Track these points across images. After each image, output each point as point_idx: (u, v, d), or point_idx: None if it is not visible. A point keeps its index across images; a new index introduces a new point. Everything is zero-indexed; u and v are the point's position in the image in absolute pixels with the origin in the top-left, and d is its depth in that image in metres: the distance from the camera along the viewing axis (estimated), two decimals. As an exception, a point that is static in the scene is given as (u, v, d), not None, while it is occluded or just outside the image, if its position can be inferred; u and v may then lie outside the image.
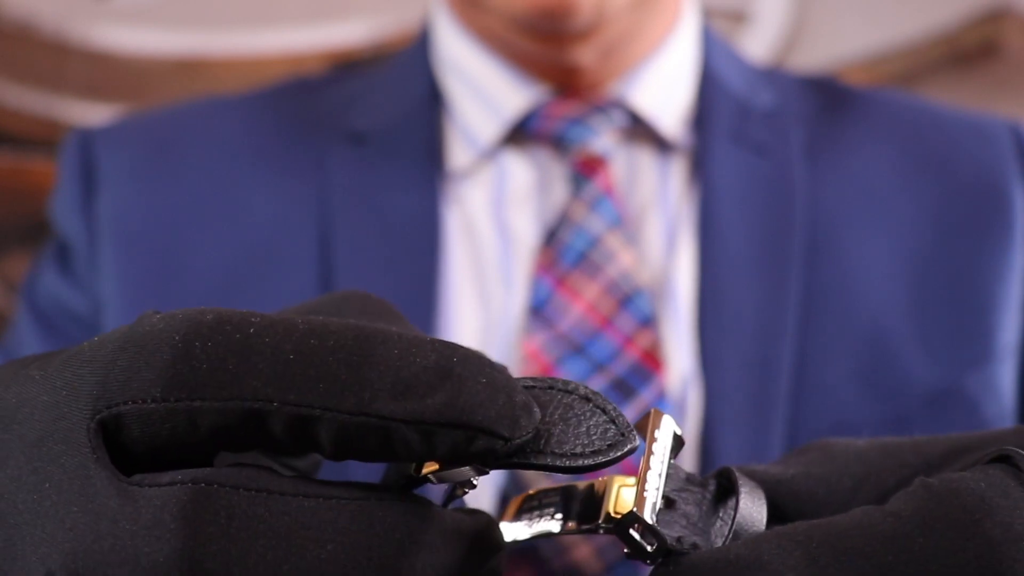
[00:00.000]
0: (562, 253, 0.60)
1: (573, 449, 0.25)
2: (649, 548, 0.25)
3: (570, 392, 0.26)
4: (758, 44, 1.21)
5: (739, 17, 1.22)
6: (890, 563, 0.22)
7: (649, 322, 0.59)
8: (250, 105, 0.69)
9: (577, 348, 0.58)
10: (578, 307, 0.59)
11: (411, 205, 0.63)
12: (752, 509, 0.26)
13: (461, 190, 0.64)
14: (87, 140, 0.67)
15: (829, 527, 0.23)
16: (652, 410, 0.27)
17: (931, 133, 0.68)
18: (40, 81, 1.22)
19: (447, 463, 0.25)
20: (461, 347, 0.24)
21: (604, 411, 0.25)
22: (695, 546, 0.25)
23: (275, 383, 0.23)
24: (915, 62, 1.20)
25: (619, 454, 0.25)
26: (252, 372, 0.23)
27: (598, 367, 0.57)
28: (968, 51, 1.20)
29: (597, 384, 0.57)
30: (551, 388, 0.26)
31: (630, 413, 0.56)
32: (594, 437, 0.25)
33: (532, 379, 0.26)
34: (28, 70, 1.22)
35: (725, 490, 0.27)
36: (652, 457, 0.26)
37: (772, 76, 0.71)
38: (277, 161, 0.65)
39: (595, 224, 0.61)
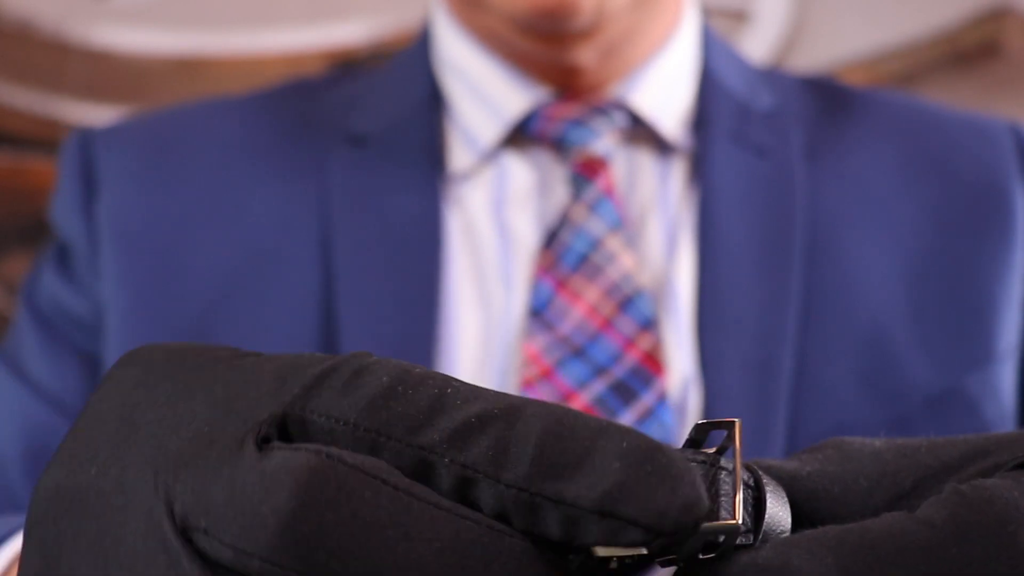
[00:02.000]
0: (562, 255, 0.60)
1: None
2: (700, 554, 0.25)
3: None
4: (758, 44, 1.21)
5: (739, 17, 1.22)
6: (923, 573, 0.22)
7: (650, 324, 0.59)
8: (250, 106, 0.69)
9: (578, 351, 0.58)
10: (579, 309, 0.59)
11: (411, 207, 0.63)
12: (778, 509, 0.26)
13: (461, 192, 0.64)
14: (87, 141, 0.66)
15: (861, 534, 0.23)
16: (736, 422, 0.27)
17: (931, 133, 0.68)
18: (40, 81, 1.22)
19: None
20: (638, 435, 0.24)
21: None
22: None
23: (450, 441, 0.23)
24: (915, 62, 1.20)
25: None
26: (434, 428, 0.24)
27: (599, 370, 0.57)
28: (968, 51, 1.20)
29: (598, 387, 0.57)
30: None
31: (631, 416, 0.56)
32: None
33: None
34: (28, 70, 1.22)
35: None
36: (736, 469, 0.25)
37: (772, 77, 0.71)
38: (278, 163, 0.65)
39: (596, 226, 0.61)
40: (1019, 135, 0.68)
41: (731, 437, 0.26)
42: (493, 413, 0.23)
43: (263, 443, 0.23)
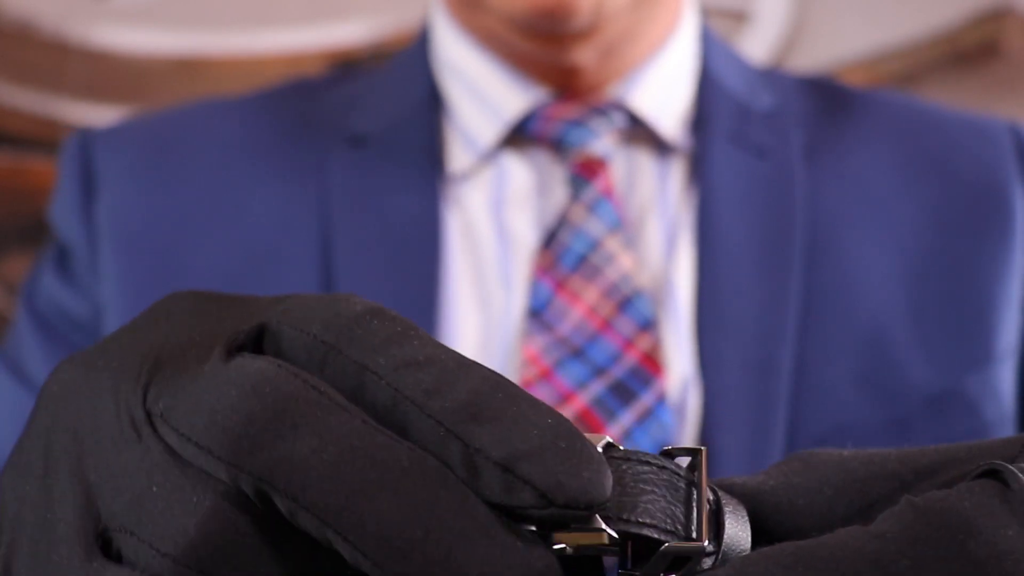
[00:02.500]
0: (561, 256, 0.60)
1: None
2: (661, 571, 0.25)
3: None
4: (758, 44, 1.21)
5: (739, 17, 1.22)
6: None
7: (649, 325, 0.59)
8: (250, 107, 0.69)
9: (577, 351, 0.58)
10: (578, 310, 0.59)
11: (411, 207, 0.63)
12: (737, 529, 0.26)
13: (461, 192, 0.64)
14: (87, 143, 0.67)
15: (815, 549, 0.23)
16: (703, 449, 0.27)
17: (931, 134, 0.68)
18: (40, 81, 1.22)
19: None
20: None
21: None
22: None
23: (392, 368, 0.24)
24: (915, 62, 1.20)
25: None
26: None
27: (598, 370, 0.57)
28: (968, 51, 1.20)
29: (597, 387, 0.57)
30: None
31: (630, 416, 0.56)
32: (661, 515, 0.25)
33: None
34: (28, 70, 1.22)
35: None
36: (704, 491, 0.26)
37: (771, 77, 0.71)
38: (277, 163, 0.65)
39: (595, 227, 0.61)
40: (1019, 135, 0.68)
41: (697, 463, 0.26)
42: (441, 358, 0.24)
43: (238, 351, 0.25)
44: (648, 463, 0.25)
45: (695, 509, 0.25)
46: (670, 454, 0.27)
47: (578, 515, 0.23)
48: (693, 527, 0.25)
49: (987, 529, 0.23)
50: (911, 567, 0.22)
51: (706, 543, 0.25)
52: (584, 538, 0.24)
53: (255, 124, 0.67)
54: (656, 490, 0.25)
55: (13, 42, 1.22)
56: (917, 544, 0.23)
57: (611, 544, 0.24)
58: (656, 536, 0.24)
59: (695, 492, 0.26)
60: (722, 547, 0.26)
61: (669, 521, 0.25)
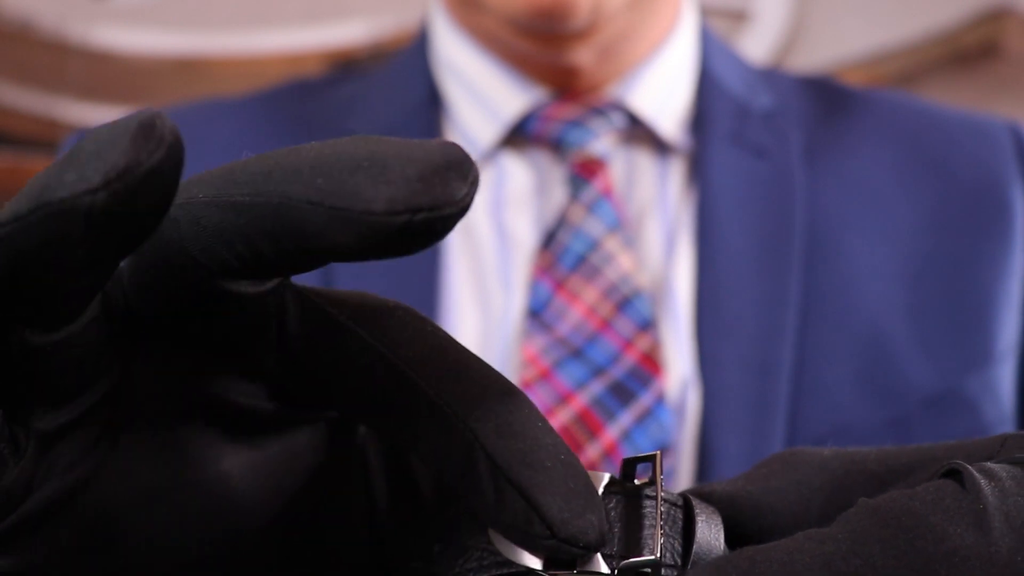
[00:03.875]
0: (561, 256, 0.60)
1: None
2: None
3: None
4: (758, 44, 1.21)
5: (739, 17, 1.23)
6: None
7: (648, 325, 0.59)
8: (249, 107, 0.69)
9: (576, 352, 0.58)
10: (577, 310, 0.59)
11: (410, 208, 0.63)
12: (710, 536, 0.26)
13: (460, 192, 0.64)
14: (86, 143, 0.67)
15: (770, 552, 0.23)
16: (657, 454, 0.27)
17: (930, 133, 0.68)
18: (39, 81, 1.22)
19: None
20: None
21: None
22: None
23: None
24: (915, 62, 1.20)
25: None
26: None
27: (597, 371, 0.57)
28: (968, 51, 1.20)
29: (596, 388, 0.57)
30: None
31: (629, 416, 0.56)
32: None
33: None
34: (28, 70, 1.22)
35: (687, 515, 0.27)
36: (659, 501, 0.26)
37: (771, 77, 0.71)
38: (276, 164, 0.65)
39: (594, 227, 0.61)
40: (1018, 135, 0.68)
41: (654, 470, 0.27)
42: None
43: None
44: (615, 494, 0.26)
45: (654, 522, 0.26)
46: (631, 463, 0.27)
47: (576, 552, 0.23)
48: (648, 542, 0.25)
49: (937, 528, 0.23)
50: (862, 566, 0.22)
51: (658, 555, 0.25)
52: None
53: (254, 125, 0.67)
54: (624, 517, 0.25)
55: (13, 42, 1.22)
56: (868, 543, 0.23)
57: None
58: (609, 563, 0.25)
59: (649, 506, 0.26)
60: (691, 556, 0.26)
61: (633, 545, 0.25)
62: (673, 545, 0.26)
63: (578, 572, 0.25)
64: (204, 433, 0.25)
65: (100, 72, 1.21)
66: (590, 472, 0.26)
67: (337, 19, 1.23)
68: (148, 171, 0.20)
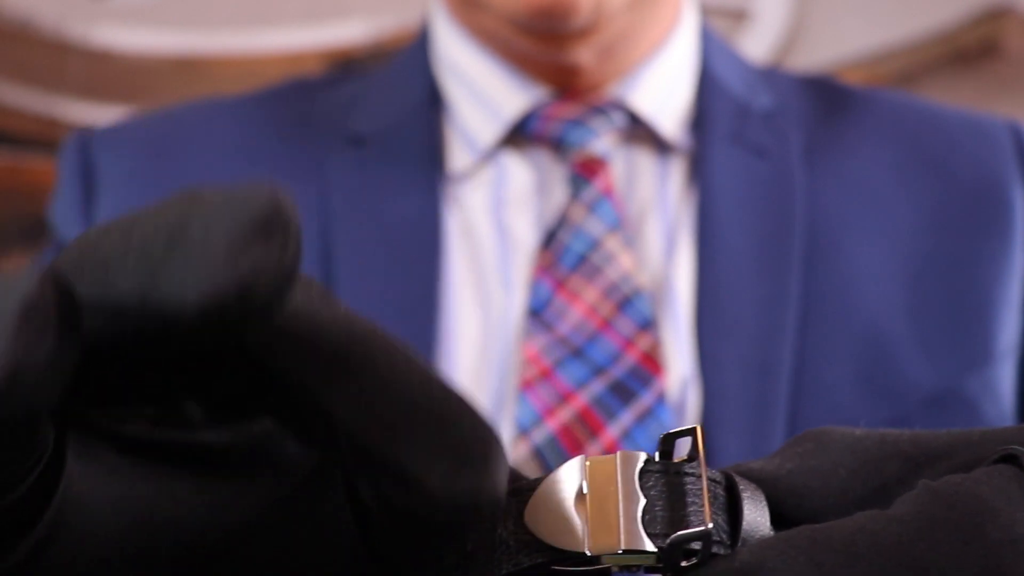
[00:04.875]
0: (561, 255, 0.60)
1: None
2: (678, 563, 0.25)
3: None
4: (758, 44, 1.21)
5: (739, 16, 1.23)
6: (893, 568, 0.22)
7: (648, 324, 0.59)
8: (249, 107, 0.69)
9: (576, 351, 0.58)
10: (577, 310, 0.59)
11: (411, 208, 0.63)
12: (756, 514, 0.26)
13: (460, 192, 0.64)
14: (86, 143, 0.67)
15: (832, 532, 0.23)
16: (697, 427, 0.27)
17: (930, 133, 0.68)
18: (39, 80, 1.22)
19: None
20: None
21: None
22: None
23: None
24: (915, 62, 1.20)
25: None
26: None
27: (597, 370, 0.57)
28: (968, 51, 1.20)
29: (597, 387, 0.57)
30: None
31: (630, 415, 0.56)
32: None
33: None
34: (28, 70, 1.22)
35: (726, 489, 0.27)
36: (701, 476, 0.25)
37: (771, 76, 0.71)
38: (277, 164, 0.65)
39: (594, 226, 0.61)
40: (1018, 134, 0.68)
41: (695, 444, 0.26)
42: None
43: None
44: (654, 471, 0.25)
45: (700, 494, 0.25)
46: (670, 439, 0.27)
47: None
48: (696, 514, 0.25)
49: (1004, 513, 0.23)
50: (928, 550, 0.22)
51: (709, 525, 0.25)
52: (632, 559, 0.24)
53: (254, 124, 0.67)
54: (666, 494, 0.25)
55: (13, 41, 1.22)
56: (935, 527, 0.23)
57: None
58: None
59: (691, 481, 0.26)
60: (741, 532, 0.25)
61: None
62: (720, 522, 0.25)
63: (624, 551, 0.24)
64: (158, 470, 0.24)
65: (100, 72, 1.21)
66: (625, 453, 0.25)
67: (337, 19, 1.23)
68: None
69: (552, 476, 0.26)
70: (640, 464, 0.26)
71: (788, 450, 0.28)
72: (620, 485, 0.25)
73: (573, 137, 0.63)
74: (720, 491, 0.26)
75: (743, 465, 0.28)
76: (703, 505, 0.25)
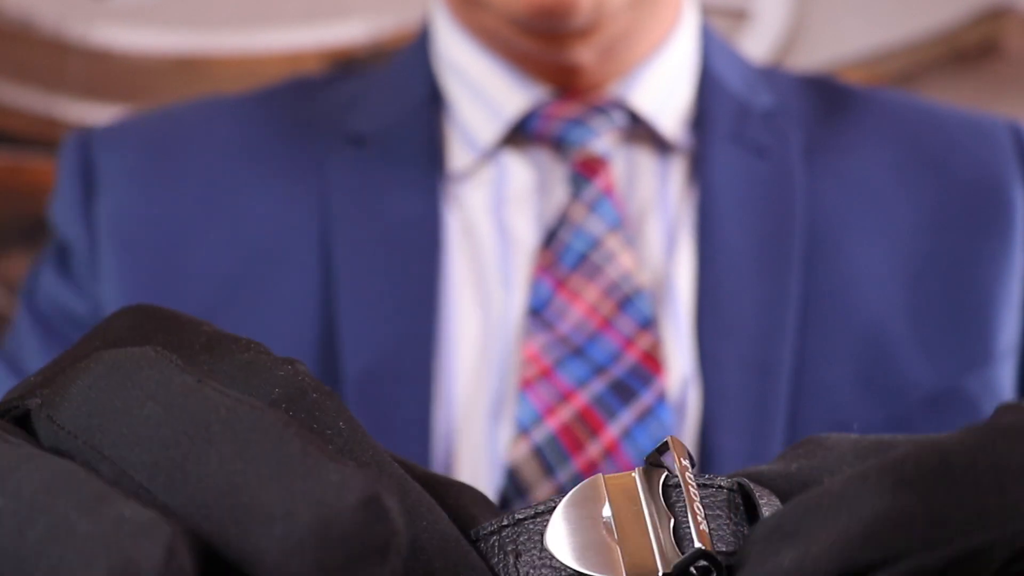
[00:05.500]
0: (562, 255, 0.60)
1: None
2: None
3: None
4: (758, 43, 1.21)
5: (739, 16, 1.23)
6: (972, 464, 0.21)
7: (649, 324, 0.59)
8: (249, 106, 0.69)
9: (577, 350, 0.58)
10: (578, 309, 0.59)
11: (411, 207, 0.63)
12: None
13: (461, 191, 0.64)
14: (86, 142, 0.67)
15: (894, 443, 0.23)
16: (669, 438, 0.26)
17: (930, 133, 0.68)
18: (39, 80, 1.22)
19: None
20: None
21: None
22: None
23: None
24: (915, 62, 1.20)
25: None
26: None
27: (598, 369, 0.57)
28: (968, 51, 1.20)
29: (597, 386, 0.57)
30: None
31: (630, 415, 0.56)
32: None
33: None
34: (28, 69, 1.22)
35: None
36: (690, 487, 0.25)
37: (771, 76, 0.71)
38: (277, 163, 0.65)
39: (595, 225, 0.61)
40: (1018, 134, 0.68)
41: (677, 454, 0.25)
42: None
43: None
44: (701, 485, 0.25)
45: (724, 510, 0.25)
46: (656, 454, 0.26)
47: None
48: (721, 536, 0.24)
49: None
50: (1004, 446, 0.22)
51: (704, 544, 0.24)
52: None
53: (254, 124, 0.67)
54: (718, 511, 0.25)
55: (13, 41, 1.22)
56: (1002, 433, 0.22)
57: None
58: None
59: (720, 493, 0.25)
60: None
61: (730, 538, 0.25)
62: (743, 532, 0.25)
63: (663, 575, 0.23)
64: None
65: (100, 71, 1.21)
66: (643, 470, 0.24)
67: (337, 19, 1.23)
68: None
69: (570, 497, 0.25)
70: (662, 480, 0.25)
71: (790, 453, 0.28)
72: (644, 504, 0.25)
73: (573, 136, 0.63)
74: (738, 500, 0.25)
75: (754, 469, 0.28)
76: (727, 520, 0.24)
